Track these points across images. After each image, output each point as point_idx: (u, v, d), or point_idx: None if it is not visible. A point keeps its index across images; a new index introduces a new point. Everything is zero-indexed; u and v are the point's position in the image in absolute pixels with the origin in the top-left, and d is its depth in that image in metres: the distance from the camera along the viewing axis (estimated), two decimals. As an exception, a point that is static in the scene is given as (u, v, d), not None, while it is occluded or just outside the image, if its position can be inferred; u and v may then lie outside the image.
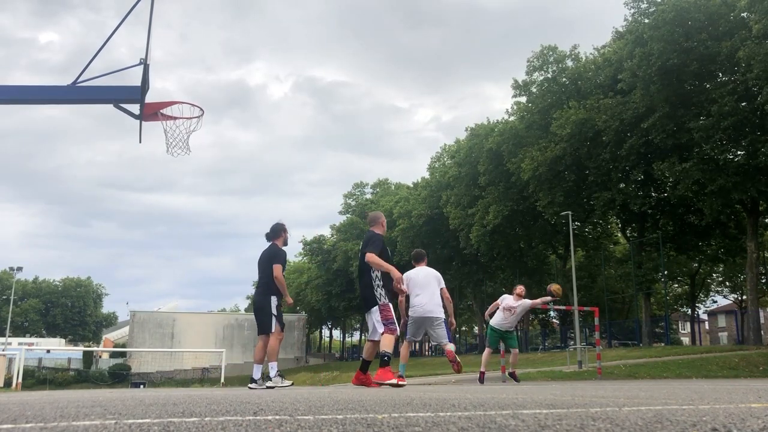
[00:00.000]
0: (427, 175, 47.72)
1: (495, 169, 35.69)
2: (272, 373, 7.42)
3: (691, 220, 31.29)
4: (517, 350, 11.52)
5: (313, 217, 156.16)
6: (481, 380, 11.15)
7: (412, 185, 51.74)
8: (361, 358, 7.54)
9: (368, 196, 60.28)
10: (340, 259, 53.60)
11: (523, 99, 35.54)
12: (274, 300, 7.57)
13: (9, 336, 58.72)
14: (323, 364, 58.07)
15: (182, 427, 1.80)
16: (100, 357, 59.90)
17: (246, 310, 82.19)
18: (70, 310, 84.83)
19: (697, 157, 25.29)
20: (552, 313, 47.46)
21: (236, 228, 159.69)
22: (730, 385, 7.04)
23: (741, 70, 23.88)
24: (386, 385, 6.51)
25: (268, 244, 7.84)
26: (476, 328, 59.04)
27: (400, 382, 6.61)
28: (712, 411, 2.36)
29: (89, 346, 70.95)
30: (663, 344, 31.22)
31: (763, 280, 34.44)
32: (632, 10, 27.89)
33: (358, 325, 71.88)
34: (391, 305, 6.86)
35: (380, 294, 6.82)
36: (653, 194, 31.14)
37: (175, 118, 7.88)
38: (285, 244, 7.92)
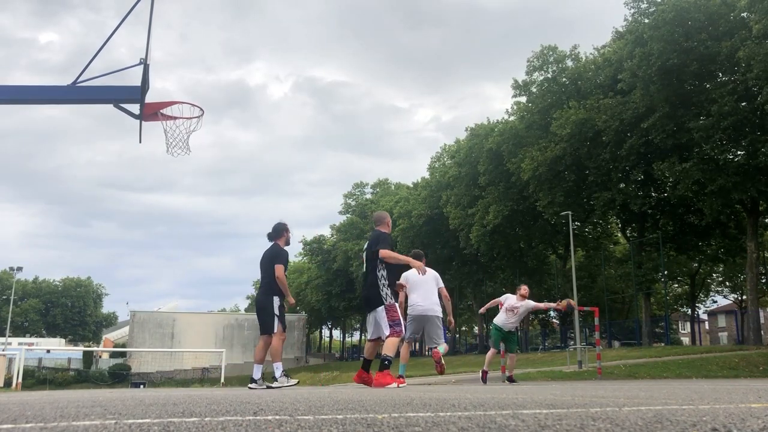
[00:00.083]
0: (427, 175, 47.74)
1: (495, 169, 35.69)
2: (277, 373, 7.41)
3: (691, 220, 31.30)
4: (515, 355, 11.61)
5: (313, 217, 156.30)
6: (484, 380, 11.23)
7: (412, 185, 51.74)
8: (362, 358, 7.56)
9: (368, 196, 60.28)
10: (340, 259, 53.61)
11: (523, 99, 35.57)
12: (276, 300, 7.54)
13: (9, 336, 58.74)
14: (323, 364, 58.08)
15: (182, 427, 1.80)
16: (100, 357, 59.90)
17: (246, 310, 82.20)
18: (70, 310, 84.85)
19: (697, 157, 25.29)
20: (552, 313, 47.46)
21: (236, 228, 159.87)
22: (730, 385, 7.04)
23: (741, 70, 23.88)
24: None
25: (270, 243, 7.83)
26: (476, 328, 59.08)
27: (400, 385, 6.62)
28: (712, 411, 2.36)
29: (89, 346, 70.95)
30: (663, 344, 31.24)
31: (763, 280, 34.43)
32: (632, 10, 27.91)
33: (358, 325, 71.88)
34: (397, 305, 6.85)
35: (386, 294, 6.77)
36: (653, 194, 31.15)
37: (175, 118, 7.88)
38: (287, 243, 7.90)
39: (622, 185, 30.22)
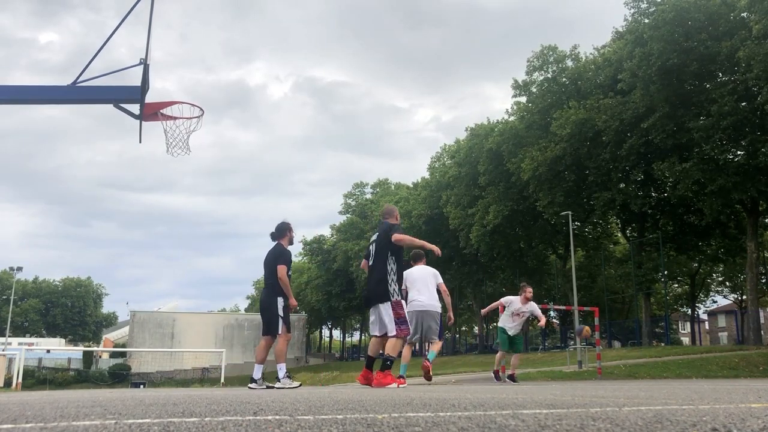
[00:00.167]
0: (427, 175, 47.76)
1: (495, 169, 35.70)
2: (281, 374, 7.36)
3: (691, 220, 31.30)
4: (519, 355, 11.66)
5: (313, 217, 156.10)
6: (497, 377, 11.39)
7: (412, 185, 51.77)
8: (362, 358, 7.57)
9: (368, 196, 60.28)
10: (340, 259, 53.59)
11: (523, 99, 35.58)
12: (280, 301, 7.48)
13: (9, 336, 58.74)
14: (323, 364, 58.06)
15: (182, 427, 1.80)
16: (100, 357, 59.88)
17: (246, 310, 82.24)
18: (70, 310, 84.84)
19: (697, 157, 25.30)
20: (552, 313, 47.43)
21: (236, 228, 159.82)
22: (730, 385, 7.04)
23: (741, 70, 23.89)
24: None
25: (273, 243, 7.80)
26: (476, 328, 59.05)
27: (400, 385, 6.60)
28: (712, 411, 2.36)
29: (89, 346, 70.94)
30: (663, 344, 31.25)
31: (763, 280, 34.44)
32: (632, 10, 27.92)
33: (358, 325, 71.89)
34: (404, 302, 6.77)
35: (394, 289, 6.66)
36: (653, 194, 31.16)
37: (175, 118, 7.88)
38: (290, 243, 7.86)
39: (622, 185, 30.23)
